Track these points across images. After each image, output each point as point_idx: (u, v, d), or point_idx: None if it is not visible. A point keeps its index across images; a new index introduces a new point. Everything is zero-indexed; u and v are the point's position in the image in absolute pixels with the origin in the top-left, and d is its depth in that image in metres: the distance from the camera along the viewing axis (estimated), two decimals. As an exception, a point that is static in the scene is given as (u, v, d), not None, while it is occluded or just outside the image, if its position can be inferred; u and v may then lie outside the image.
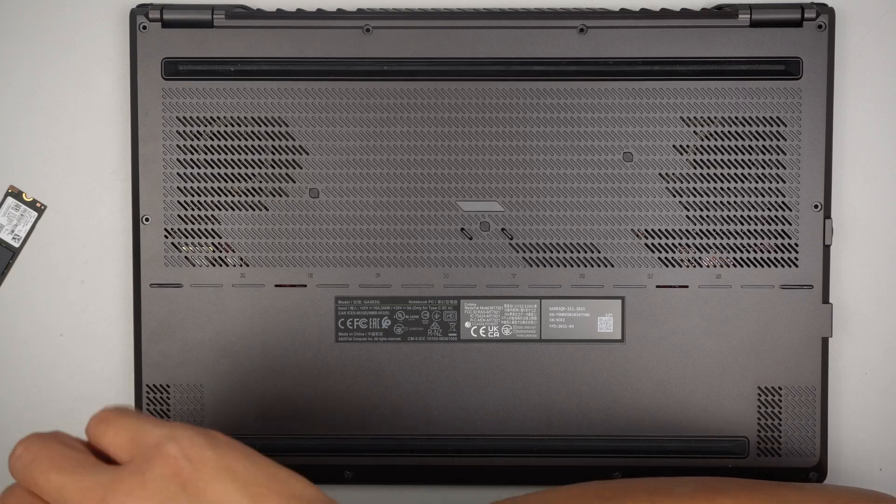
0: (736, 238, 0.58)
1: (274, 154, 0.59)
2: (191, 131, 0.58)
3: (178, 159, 0.59)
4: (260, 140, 0.59)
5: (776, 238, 0.58)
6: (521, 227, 0.59)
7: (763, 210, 0.58)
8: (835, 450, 0.60)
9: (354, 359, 0.59)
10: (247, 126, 0.59)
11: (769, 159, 0.58)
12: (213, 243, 0.59)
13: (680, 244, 0.59)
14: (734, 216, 0.58)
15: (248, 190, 0.59)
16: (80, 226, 0.61)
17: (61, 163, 0.61)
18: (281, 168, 0.59)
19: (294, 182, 0.59)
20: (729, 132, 0.58)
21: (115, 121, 0.61)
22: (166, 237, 0.59)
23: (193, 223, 0.59)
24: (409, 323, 0.59)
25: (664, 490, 0.50)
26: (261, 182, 0.59)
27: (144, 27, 0.58)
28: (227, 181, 0.59)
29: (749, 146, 0.58)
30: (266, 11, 0.59)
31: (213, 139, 0.59)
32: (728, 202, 0.58)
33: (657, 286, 0.59)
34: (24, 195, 0.61)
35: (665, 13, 0.59)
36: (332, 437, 0.59)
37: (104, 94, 0.61)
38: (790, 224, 0.58)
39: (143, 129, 0.58)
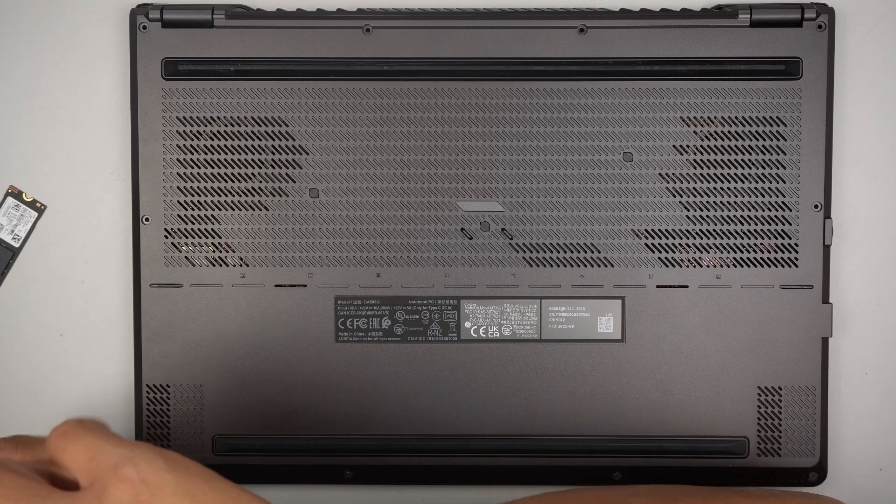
0: (736, 238, 0.58)
1: (274, 154, 0.59)
2: (191, 131, 0.58)
3: (178, 159, 0.59)
4: (260, 140, 0.59)
5: (776, 238, 0.58)
6: (521, 227, 0.59)
7: (763, 210, 0.58)
8: (835, 450, 0.60)
9: (354, 359, 0.59)
10: (247, 126, 0.59)
11: (769, 159, 0.58)
12: (213, 243, 0.59)
13: (680, 244, 0.59)
14: (734, 216, 0.58)
15: (248, 190, 0.59)
16: (80, 226, 0.61)
17: (61, 163, 0.61)
18: (281, 168, 0.59)
19: (294, 182, 0.59)
20: (729, 132, 0.58)
21: (115, 121, 0.61)
22: (166, 237, 0.59)
23: (193, 223, 0.59)
24: (409, 323, 0.59)
25: (619, 501, 0.50)
26: (261, 182, 0.59)
27: (144, 27, 0.58)
28: (227, 181, 0.59)
29: (749, 146, 0.58)
30: (266, 11, 0.59)
31: (213, 139, 0.59)
32: (728, 202, 0.58)
33: (657, 286, 0.59)
34: (24, 195, 0.61)
35: (665, 13, 0.59)
36: (332, 437, 0.59)
37: (104, 94, 0.61)
38: (790, 224, 0.58)
39: (143, 129, 0.58)
